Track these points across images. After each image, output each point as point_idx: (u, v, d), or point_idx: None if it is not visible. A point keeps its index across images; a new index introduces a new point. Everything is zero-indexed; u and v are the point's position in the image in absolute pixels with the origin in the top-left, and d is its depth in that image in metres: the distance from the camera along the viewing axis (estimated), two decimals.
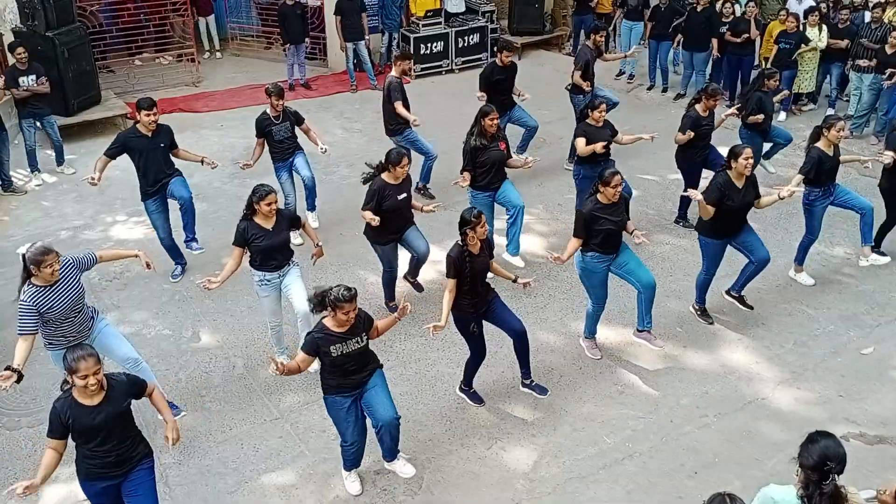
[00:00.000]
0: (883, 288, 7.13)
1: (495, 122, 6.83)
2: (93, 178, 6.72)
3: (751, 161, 6.06)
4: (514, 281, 5.70)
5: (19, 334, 4.78)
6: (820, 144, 6.73)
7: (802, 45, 10.09)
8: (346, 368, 4.67)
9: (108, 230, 8.11)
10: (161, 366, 6.15)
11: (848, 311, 6.81)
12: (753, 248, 6.40)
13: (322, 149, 7.62)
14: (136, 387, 4.23)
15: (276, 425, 5.62)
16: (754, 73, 10.92)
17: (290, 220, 5.86)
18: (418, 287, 6.94)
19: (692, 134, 7.53)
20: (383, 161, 6.24)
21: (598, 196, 5.76)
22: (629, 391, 5.93)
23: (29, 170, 9.04)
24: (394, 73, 8.16)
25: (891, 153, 6.96)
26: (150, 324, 6.69)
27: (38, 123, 8.89)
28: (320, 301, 4.58)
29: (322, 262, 6.40)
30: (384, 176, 6.20)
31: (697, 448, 5.40)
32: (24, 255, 4.86)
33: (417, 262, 6.75)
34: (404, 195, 6.29)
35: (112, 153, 6.83)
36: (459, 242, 5.30)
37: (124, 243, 7.82)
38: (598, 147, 7.15)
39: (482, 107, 7.04)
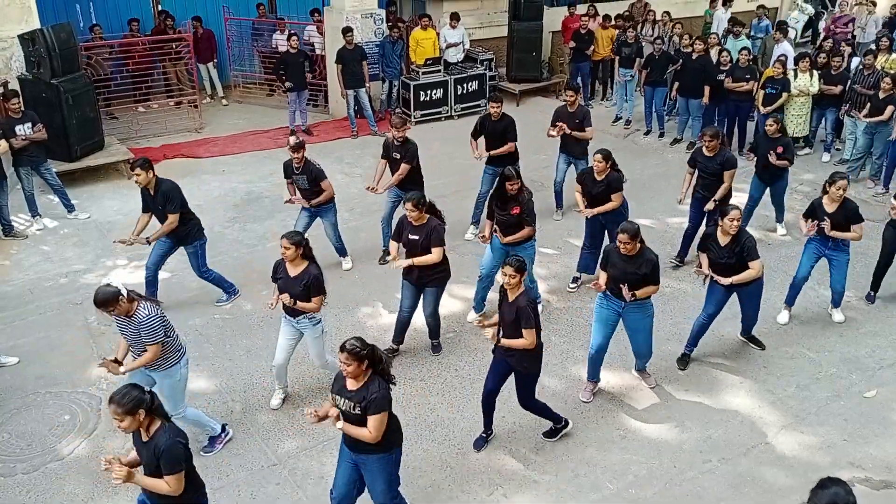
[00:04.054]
0: (884, 331, 7.12)
1: (515, 187, 6.79)
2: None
3: (735, 224, 6.08)
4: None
5: None
6: (824, 198, 6.85)
7: (784, 94, 10.27)
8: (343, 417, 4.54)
9: (108, 274, 8.09)
10: None
11: (850, 354, 6.78)
12: (744, 306, 6.59)
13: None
14: (164, 465, 4.01)
15: (274, 471, 5.54)
16: (750, 123, 11.15)
17: (309, 286, 5.69)
18: (435, 349, 6.89)
19: (690, 170, 7.87)
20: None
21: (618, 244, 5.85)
22: (631, 436, 5.87)
23: (30, 215, 9.09)
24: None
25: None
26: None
27: (34, 171, 8.92)
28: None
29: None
30: (408, 213, 6.31)
31: (701, 494, 5.33)
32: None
33: (430, 325, 6.80)
34: (416, 237, 6.33)
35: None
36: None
37: (125, 286, 7.80)
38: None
39: (504, 171, 6.94)
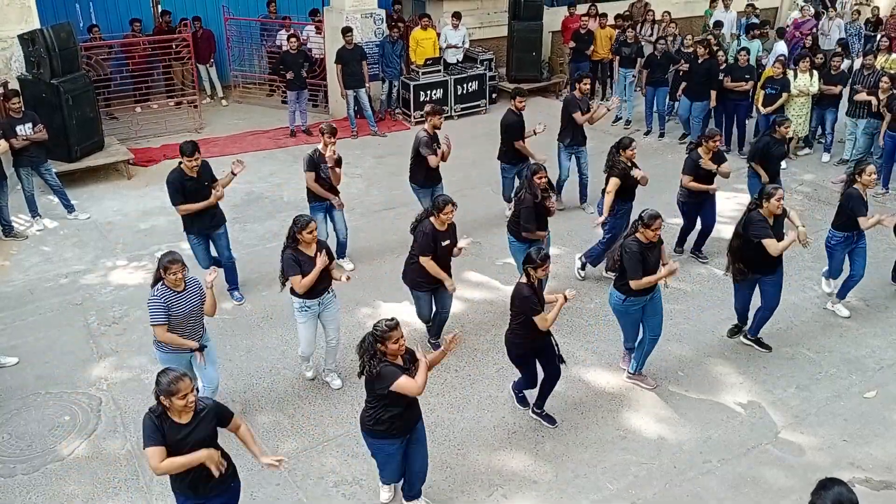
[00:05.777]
0: (884, 331, 7.11)
1: (543, 179, 6.84)
2: None
3: (781, 203, 6.24)
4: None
5: (153, 325, 5.32)
6: (858, 188, 6.85)
7: (784, 94, 10.26)
8: (402, 404, 4.68)
9: (107, 275, 8.10)
10: None
11: (850, 355, 6.78)
12: (766, 294, 6.57)
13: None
14: (222, 415, 4.29)
15: (274, 472, 5.52)
16: (749, 122, 11.15)
17: (327, 251, 5.98)
18: (436, 349, 6.89)
19: (691, 178, 7.78)
20: (430, 207, 6.35)
21: (638, 236, 5.92)
22: (631, 436, 5.87)
23: (30, 215, 9.09)
24: (426, 126, 8.17)
25: None
26: (148, 369, 6.63)
27: (34, 171, 8.91)
28: (367, 351, 4.60)
29: None
30: (432, 220, 6.26)
31: (701, 494, 5.33)
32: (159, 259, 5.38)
33: (440, 321, 6.80)
34: (447, 242, 6.32)
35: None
36: (524, 281, 5.50)
37: (124, 287, 7.82)
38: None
39: (532, 165, 7.07)
